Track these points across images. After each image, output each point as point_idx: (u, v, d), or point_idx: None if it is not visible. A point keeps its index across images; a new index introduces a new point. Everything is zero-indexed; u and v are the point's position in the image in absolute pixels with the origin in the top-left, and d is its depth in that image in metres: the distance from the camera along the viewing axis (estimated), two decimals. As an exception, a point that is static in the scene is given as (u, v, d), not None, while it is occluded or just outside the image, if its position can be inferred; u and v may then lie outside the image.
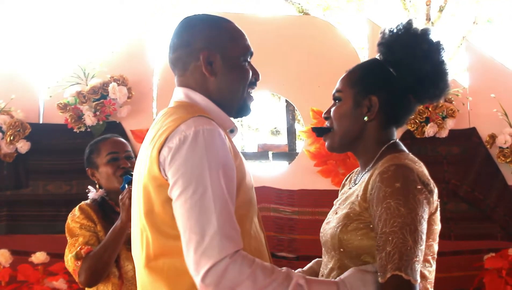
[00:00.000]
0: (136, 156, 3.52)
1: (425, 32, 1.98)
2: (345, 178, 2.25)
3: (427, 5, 11.44)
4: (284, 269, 1.68)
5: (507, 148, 4.87)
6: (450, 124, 4.89)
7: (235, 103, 1.96)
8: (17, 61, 4.75)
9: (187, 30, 1.95)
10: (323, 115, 2.10)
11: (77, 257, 2.76)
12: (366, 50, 5.22)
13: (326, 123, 2.08)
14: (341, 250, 1.88)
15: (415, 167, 1.83)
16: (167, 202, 1.67)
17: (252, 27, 4.84)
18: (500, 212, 4.89)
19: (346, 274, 1.78)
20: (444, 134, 4.93)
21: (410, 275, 1.65)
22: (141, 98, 4.70)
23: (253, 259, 1.62)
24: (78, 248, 2.78)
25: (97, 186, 3.04)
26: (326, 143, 2.07)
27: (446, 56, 1.99)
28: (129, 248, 2.85)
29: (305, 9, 11.97)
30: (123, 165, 2.95)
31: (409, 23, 2.00)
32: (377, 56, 2.08)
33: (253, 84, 2.00)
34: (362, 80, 2.02)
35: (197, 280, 1.57)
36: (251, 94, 2.01)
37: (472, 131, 5.00)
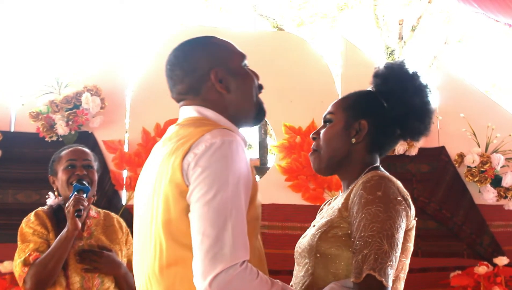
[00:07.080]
0: (105, 166, 3.52)
1: (417, 72, 2.09)
2: (324, 203, 2.31)
3: (399, 24, 11.58)
4: (279, 282, 1.71)
5: (475, 167, 4.95)
6: (419, 142, 4.95)
7: (252, 110, 2.01)
8: (-11, 68, 4.71)
9: (186, 57, 1.95)
10: (311, 135, 2.16)
11: (25, 263, 2.77)
12: (339, 66, 5.27)
13: (313, 144, 2.14)
14: (317, 255, 1.92)
15: (396, 182, 1.95)
16: (185, 211, 1.67)
17: (227, 41, 4.87)
18: (467, 230, 4.96)
19: (326, 288, 1.83)
20: (413, 152, 5.00)
21: (382, 277, 1.73)
22: (114, 109, 4.69)
23: (258, 272, 1.64)
24: (27, 254, 2.78)
25: (56, 193, 3.06)
26: (312, 164, 2.14)
27: (431, 99, 2.10)
28: (78, 260, 2.86)
29: (279, 24, 12.05)
30: (78, 172, 2.97)
31: (404, 62, 2.12)
32: (370, 87, 2.17)
33: (260, 87, 2.06)
34: (355, 105, 2.11)
35: (202, 285, 1.56)
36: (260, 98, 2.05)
37: (441, 150, 5.07)
